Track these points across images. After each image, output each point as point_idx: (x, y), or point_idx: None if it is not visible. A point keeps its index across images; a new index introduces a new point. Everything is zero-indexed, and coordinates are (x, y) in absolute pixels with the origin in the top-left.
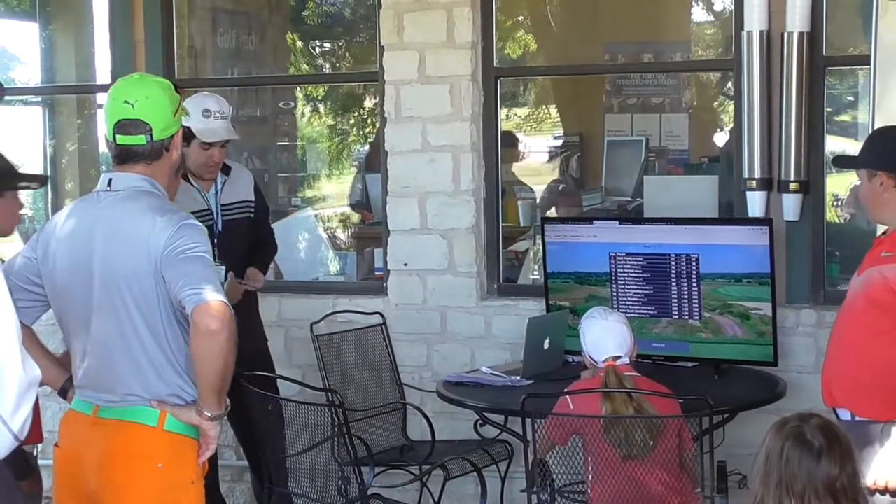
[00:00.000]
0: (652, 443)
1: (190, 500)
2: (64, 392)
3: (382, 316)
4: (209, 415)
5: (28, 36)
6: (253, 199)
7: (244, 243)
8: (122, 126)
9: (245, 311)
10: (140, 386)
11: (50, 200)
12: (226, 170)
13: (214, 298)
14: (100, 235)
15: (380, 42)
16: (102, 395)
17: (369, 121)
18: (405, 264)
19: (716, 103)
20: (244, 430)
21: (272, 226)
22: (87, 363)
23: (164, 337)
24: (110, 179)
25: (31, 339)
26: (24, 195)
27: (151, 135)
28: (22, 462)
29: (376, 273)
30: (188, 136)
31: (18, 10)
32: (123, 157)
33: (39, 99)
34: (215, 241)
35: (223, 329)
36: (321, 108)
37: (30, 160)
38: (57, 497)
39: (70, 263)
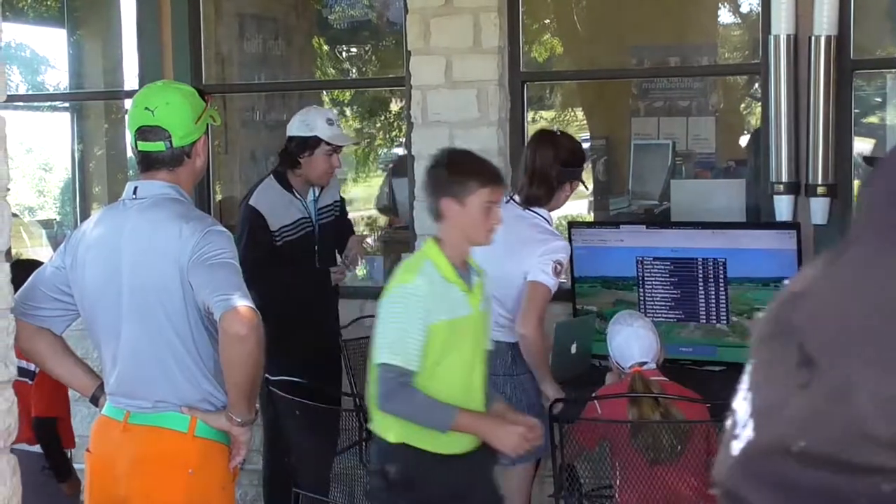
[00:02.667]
0: (679, 447)
1: None
2: (95, 399)
3: None
4: (239, 420)
5: (56, 42)
6: (338, 199)
7: (335, 241)
8: (142, 132)
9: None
10: (170, 392)
11: (78, 205)
12: None
13: (242, 304)
14: (127, 244)
15: (406, 47)
16: (133, 401)
17: (395, 125)
18: None
19: (742, 105)
20: (272, 436)
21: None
22: (118, 370)
23: (193, 343)
24: (136, 188)
25: (61, 347)
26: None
27: (171, 141)
28: (63, 465)
29: None
30: (313, 145)
31: (47, 17)
32: (146, 163)
33: (68, 104)
34: (315, 247)
35: (252, 334)
36: (347, 112)
37: (58, 164)
38: (88, 502)
39: (99, 272)
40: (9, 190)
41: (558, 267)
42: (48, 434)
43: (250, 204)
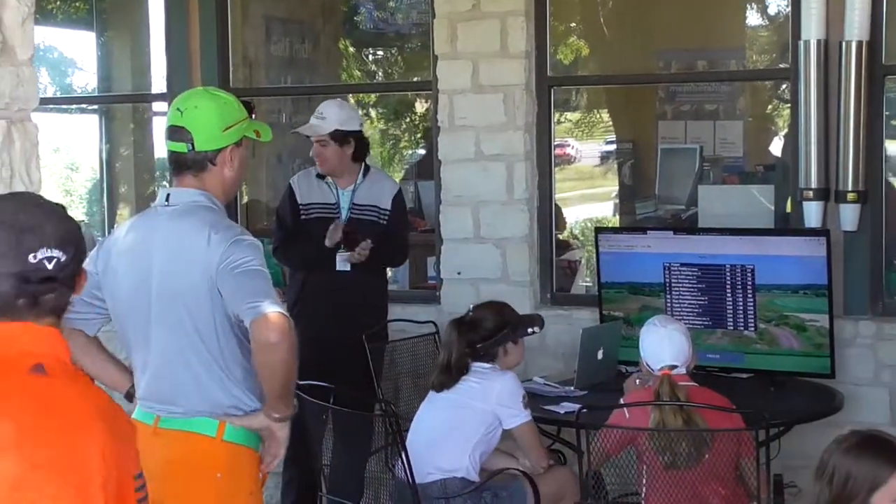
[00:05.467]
0: (697, 454)
1: None
2: (130, 396)
3: (435, 325)
4: (277, 416)
5: (85, 44)
6: (388, 208)
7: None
8: (169, 131)
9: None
10: (199, 398)
11: (105, 206)
12: (366, 172)
13: (272, 310)
14: (157, 251)
15: (433, 51)
16: (163, 406)
17: (420, 127)
18: (458, 273)
19: (769, 107)
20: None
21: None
22: (148, 376)
23: (220, 350)
24: (168, 195)
25: (95, 345)
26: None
27: (193, 144)
28: None
29: (429, 281)
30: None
31: (76, 19)
32: (173, 164)
33: (96, 106)
34: (343, 234)
35: (283, 340)
36: (372, 113)
37: (84, 165)
38: None
39: (130, 279)
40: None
41: (526, 398)
42: None
43: (291, 180)
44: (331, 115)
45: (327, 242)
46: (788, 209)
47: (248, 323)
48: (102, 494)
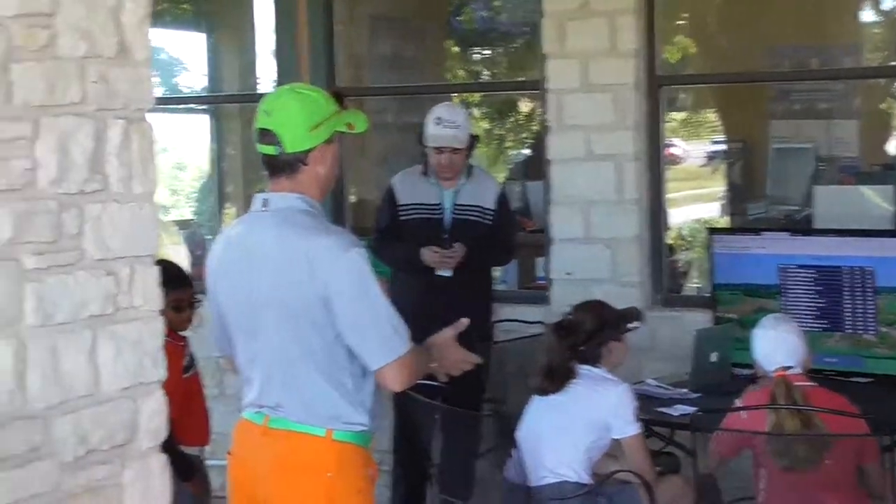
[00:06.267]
0: (817, 457)
1: None
2: None
3: (544, 325)
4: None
5: (194, 46)
6: (492, 208)
7: (472, 243)
8: (259, 134)
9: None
10: (305, 411)
11: (215, 206)
12: (469, 172)
13: (389, 361)
14: (262, 258)
15: (542, 50)
16: (272, 410)
17: (525, 126)
18: (568, 273)
19: (884, 105)
20: (404, 439)
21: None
22: (256, 383)
23: (330, 362)
24: (265, 200)
25: None
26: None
27: (282, 146)
28: (182, 463)
29: (538, 282)
30: (421, 140)
31: (185, 21)
32: (267, 166)
33: (205, 107)
34: (445, 235)
35: (405, 385)
36: (476, 112)
37: (191, 164)
38: (230, 502)
39: (235, 286)
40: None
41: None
42: None
43: (392, 179)
44: (462, 122)
45: (426, 263)
46: None
47: (370, 369)
48: None
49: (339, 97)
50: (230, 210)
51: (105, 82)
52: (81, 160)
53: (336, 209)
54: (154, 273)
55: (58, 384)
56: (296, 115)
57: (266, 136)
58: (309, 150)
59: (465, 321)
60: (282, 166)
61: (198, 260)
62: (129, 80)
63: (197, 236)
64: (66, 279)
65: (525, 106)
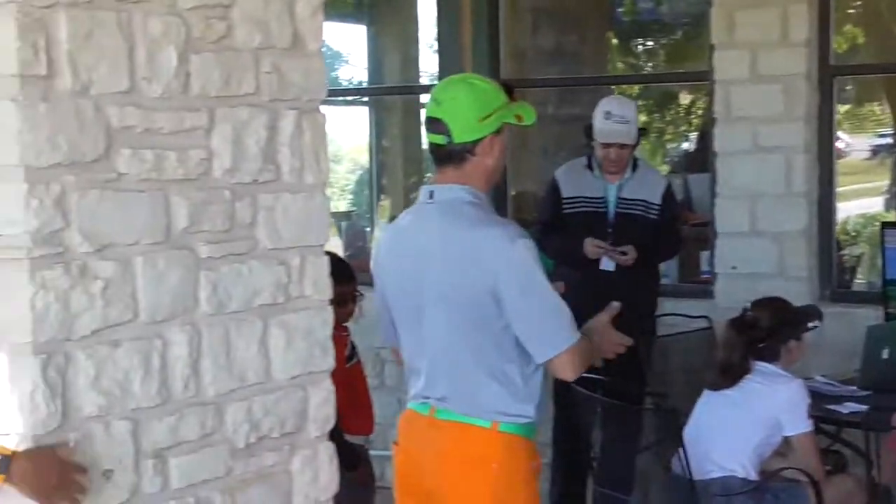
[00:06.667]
0: None
1: (525, 501)
2: None
3: (709, 320)
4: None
5: (356, 38)
6: (657, 203)
7: (636, 237)
8: (428, 122)
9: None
10: (470, 405)
11: (374, 197)
12: (634, 166)
13: (560, 351)
14: (429, 251)
15: (710, 41)
16: (438, 402)
17: (685, 118)
18: (733, 268)
19: None
20: (566, 431)
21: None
22: (423, 374)
23: (498, 356)
24: (431, 192)
25: None
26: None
27: (450, 136)
28: (347, 452)
29: (702, 276)
30: (589, 133)
31: (346, 13)
32: (434, 156)
33: (366, 98)
34: (609, 229)
35: (577, 374)
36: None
37: (347, 157)
38: (397, 493)
39: (401, 278)
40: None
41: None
42: None
43: (556, 172)
44: (631, 117)
45: (588, 255)
46: None
47: (538, 361)
48: None
49: (510, 89)
50: (389, 202)
51: (278, 73)
52: (255, 150)
53: (498, 201)
54: (324, 263)
55: (230, 372)
56: (466, 106)
57: (435, 124)
58: (477, 141)
59: (616, 305)
60: (449, 156)
61: (358, 251)
62: (302, 71)
63: (356, 228)
64: (239, 268)
65: (685, 98)
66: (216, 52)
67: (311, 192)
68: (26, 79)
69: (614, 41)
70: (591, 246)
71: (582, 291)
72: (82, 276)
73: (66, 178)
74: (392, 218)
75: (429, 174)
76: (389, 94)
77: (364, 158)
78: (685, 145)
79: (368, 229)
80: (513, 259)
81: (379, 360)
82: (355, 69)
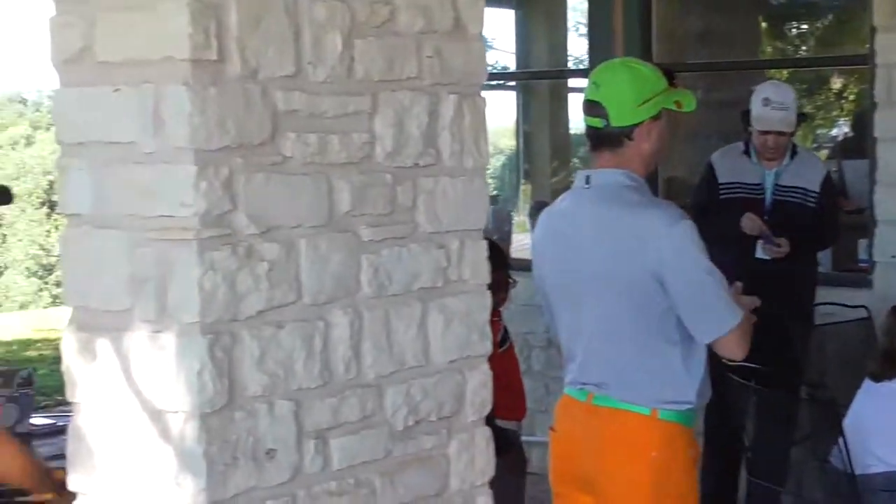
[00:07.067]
0: None
1: (683, 489)
2: None
3: (867, 310)
4: None
5: (504, 22)
6: (816, 190)
7: (793, 225)
8: (585, 105)
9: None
10: (629, 390)
11: (520, 181)
12: (793, 153)
13: (725, 332)
14: (588, 235)
15: (871, 23)
16: (596, 389)
17: (836, 104)
18: (893, 256)
19: None
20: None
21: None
22: (580, 360)
23: (658, 341)
24: (587, 177)
25: None
26: None
27: (607, 119)
28: (499, 437)
29: (859, 264)
30: (746, 120)
31: None
32: (590, 139)
33: (513, 83)
34: (765, 217)
35: (743, 354)
36: None
37: (497, 142)
38: (553, 479)
39: (559, 262)
40: (488, 169)
41: None
42: None
43: (712, 157)
44: (791, 104)
45: (745, 230)
46: None
47: (703, 342)
48: None
49: (670, 74)
50: (535, 185)
51: (440, 57)
52: (416, 134)
53: (650, 186)
54: (483, 247)
55: (390, 354)
56: (625, 89)
57: (593, 107)
58: (635, 125)
59: (752, 298)
60: (606, 140)
61: (505, 236)
62: (463, 55)
63: (503, 213)
64: (399, 251)
65: (836, 82)
66: (379, 36)
67: (470, 177)
68: (197, 63)
69: (763, 24)
70: (748, 219)
71: (736, 281)
72: (248, 258)
73: (234, 161)
74: (538, 203)
75: (574, 159)
76: (536, 78)
77: (504, 142)
78: (836, 130)
79: (513, 213)
80: (676, 240)
81: (527, 345)
82: (502, 53)
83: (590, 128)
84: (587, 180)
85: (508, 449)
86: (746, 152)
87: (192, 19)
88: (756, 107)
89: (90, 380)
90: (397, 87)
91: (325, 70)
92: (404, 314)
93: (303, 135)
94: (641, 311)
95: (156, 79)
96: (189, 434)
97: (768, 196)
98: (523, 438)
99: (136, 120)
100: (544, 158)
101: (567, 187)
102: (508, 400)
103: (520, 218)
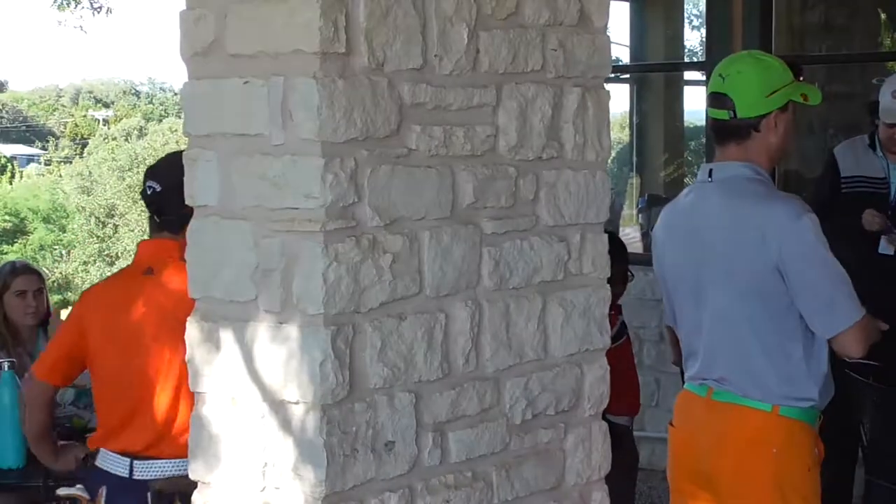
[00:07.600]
0: None
1: (807, 487)
2: None
3: None
4: None
5: (619, 15)
6: None
7: None
8: (712, 98)
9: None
10: (751, 384)
11: (634, 174)
12: None
13: (847, 326)
14: (710, 228)
15: None
16: (717, 384)
17: None
18: None
19: None
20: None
21: None
22: (700, 355)
23: (781, 335)
24: (710, 170)
25: None
26: None
27: (734, 111)
28: (611, 432)
29: None
30: (873, 111)
31: None
32: (715, 132)
33: (626, 76)
34: (889, 212)
35: (864, 351)
36: None
37: (613, 136)
38: (672, 475)
39: (680, 255)
40: (608, 162)
41: None
42: None
43: (834, 150)
44: None
45: (866, 226)
46: None
47: (822, 336)
48: None
49: (797, 67)
50: (633, 179)
51: (564, 50)
52: (539, 127)
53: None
54: (603, 240)
55: (509, 348)
56: (752, 81)
57: (719, 99)
58: (762, 117)
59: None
60: (732, 132)
61: (615, 228)
62: (587, 48)
63: (616, 206)
64: (521, 244)
65: None
66: (504, 28)
67: (592, 170)
68: (326, 56)
69: (883, 16)
70: (869, 215)
71: (858, 276)
72: (372, 250)
73: (360, 154)
74: (650, 196)
75: (687, 152)
76: (652, 70)
77: (615, 135)
78: None
79: (625, 205)
80: (799, 234)
81: (637, 339)
82: (617, 46)
83: (716, 120)
84: (709, 174)
85: (620, 444)
86: (872, 145)
87: (321, 12)
88: (885, 99)
89: (213, 370)
90: (521, 79)
91: (451, 63)
92: (524, 307)
93: (428, 127)
94: (764, 304)
95: (285, 71)
96: (310, 425)
97: (893, 190)
98: (638, 434)
99: (264, 112)
100: (656, 151)
101: (678, 180)
102: (622, 395)
103: (628, 211)
